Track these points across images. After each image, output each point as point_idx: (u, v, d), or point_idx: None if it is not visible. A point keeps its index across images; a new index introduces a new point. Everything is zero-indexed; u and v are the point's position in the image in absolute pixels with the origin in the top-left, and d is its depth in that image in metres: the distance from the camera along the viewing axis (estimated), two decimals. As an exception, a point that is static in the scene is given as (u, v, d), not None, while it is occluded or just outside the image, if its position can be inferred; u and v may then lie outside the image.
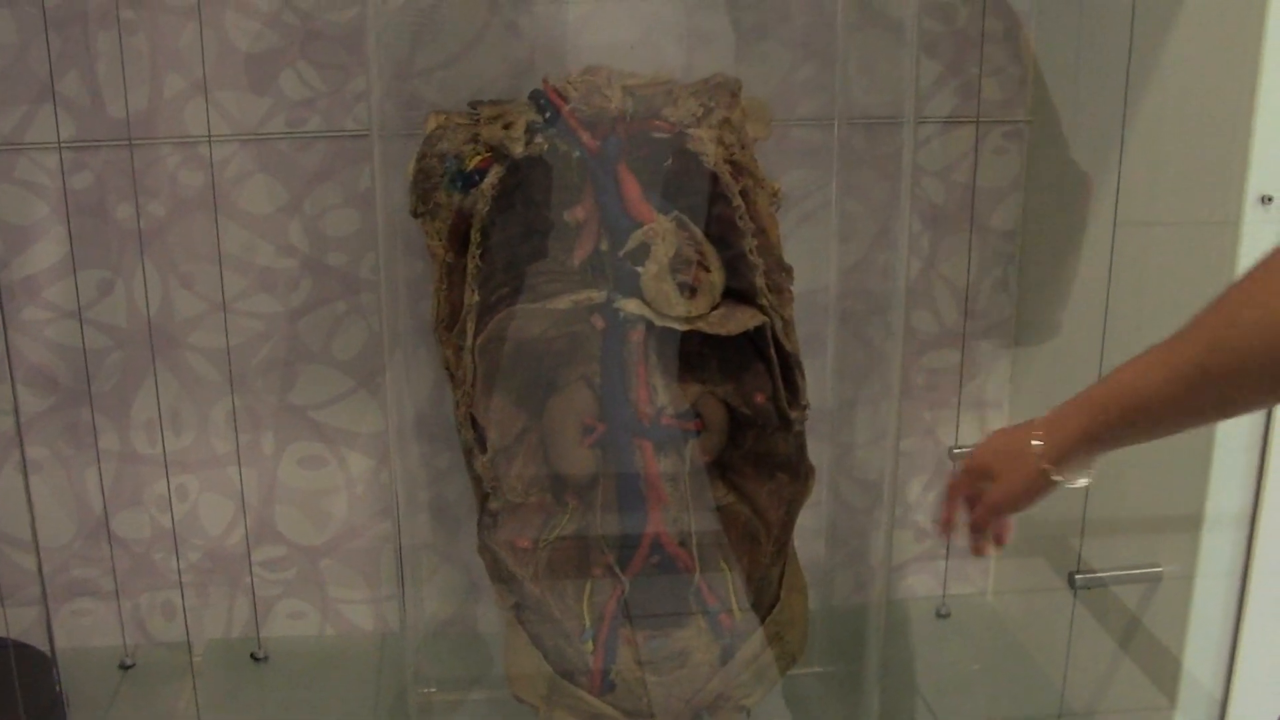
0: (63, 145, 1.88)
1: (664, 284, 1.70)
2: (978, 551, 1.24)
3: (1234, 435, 1.58)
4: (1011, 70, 2.04)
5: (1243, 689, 1.64)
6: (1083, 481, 1.12)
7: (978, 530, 1.23)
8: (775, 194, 1.81)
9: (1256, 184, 1.52)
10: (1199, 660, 1.68)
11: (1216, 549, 1.64)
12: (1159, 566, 1.74)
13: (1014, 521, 1.23)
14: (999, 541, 1.23)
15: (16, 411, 1.96)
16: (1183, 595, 1.69)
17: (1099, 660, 1.90)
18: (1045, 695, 2.03)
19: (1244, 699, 1.65)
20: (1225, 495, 1.61)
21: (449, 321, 1.79)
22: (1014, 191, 2.10)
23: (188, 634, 2.09)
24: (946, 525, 1.27)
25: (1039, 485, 1.13)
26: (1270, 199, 1.52)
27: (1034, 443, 1.11)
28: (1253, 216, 1.52)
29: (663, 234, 1.71)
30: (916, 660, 2.13)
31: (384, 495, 2.10)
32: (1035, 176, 2.07)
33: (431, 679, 2.02)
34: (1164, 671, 1.75)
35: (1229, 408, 1.00)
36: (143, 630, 2.13)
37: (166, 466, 2.03)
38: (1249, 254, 1.51)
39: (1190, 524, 1.66)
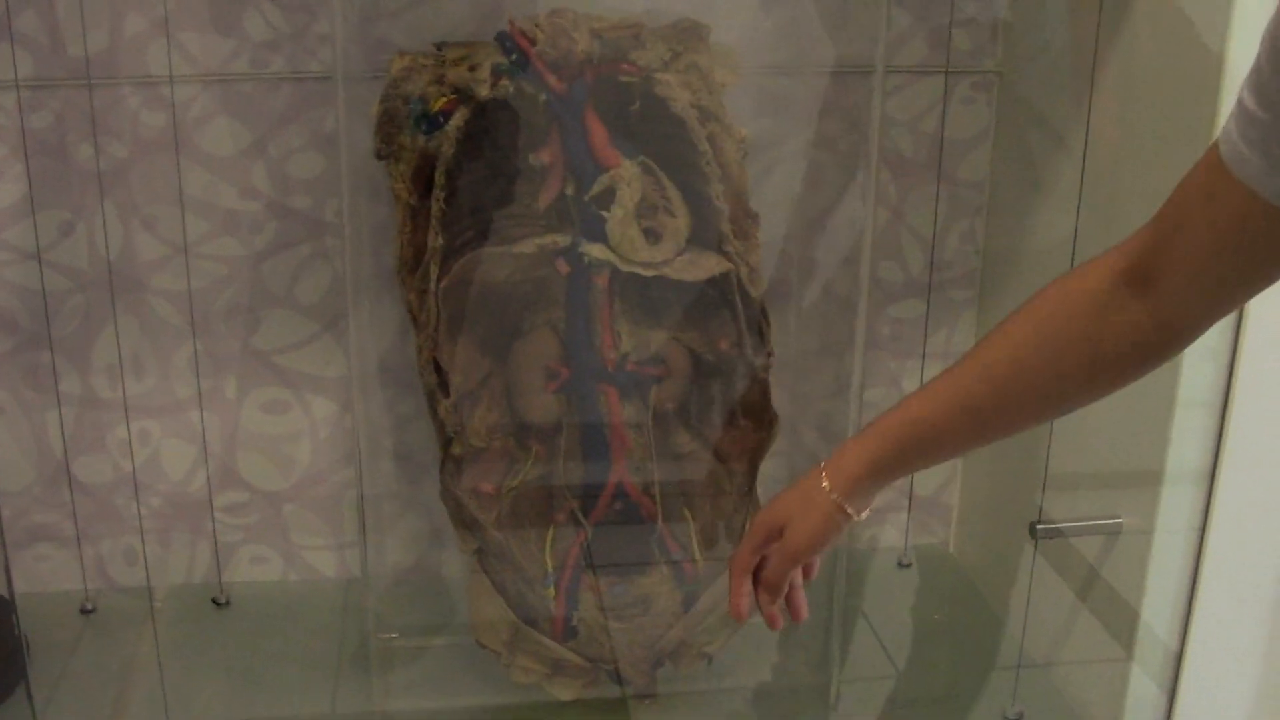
0: (20, 84, 1.85)
1: (629, 229, 1.69)
2: (772, 622, 1.15)
3: (1195, 393, 1.59)
4: (981, 20, 2.03)
5: (1198, 642, 1.66)
6: (866, 514, 1.11)
7: (773, 589, 1.14)
8: (742, 141, 1.80)
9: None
10: (1156, 613, 1.69)
11: (1176, 503, 1.65)
12: (1119, 518, 1.75)
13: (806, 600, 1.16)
14: (797, 616, 1.16)
15: (-25, 354, 1.94)
16: (1142, 548, 1.70)
17: (1058, 611, 1.92)
18: (1005, 645, 2.05)
19: (1199, 652, 1.67)
20: (1186, 451, 1.62)
21: (413, 265, 1.77)
22: (982, 142, 2.09)
23: (149, 579, 2.08)
24: (741, 609, 1.15)
25: (833, 523, 1.10)
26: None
27: (823, 484, 1.09)
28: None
29: (628, 179, 1.70)
30: (877, 610, 2.14)
31: (348, 441, 2.08)
32: (1004, 128, 2.07)
33: (394, 625, 2.02)
34: (1122, 623, 1.76)
35: (1009, 431, 1.04)
36: (104, 575, 2.12)
37: (127, 411, 2.01)
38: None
39: (1151, 478, 1.67)
